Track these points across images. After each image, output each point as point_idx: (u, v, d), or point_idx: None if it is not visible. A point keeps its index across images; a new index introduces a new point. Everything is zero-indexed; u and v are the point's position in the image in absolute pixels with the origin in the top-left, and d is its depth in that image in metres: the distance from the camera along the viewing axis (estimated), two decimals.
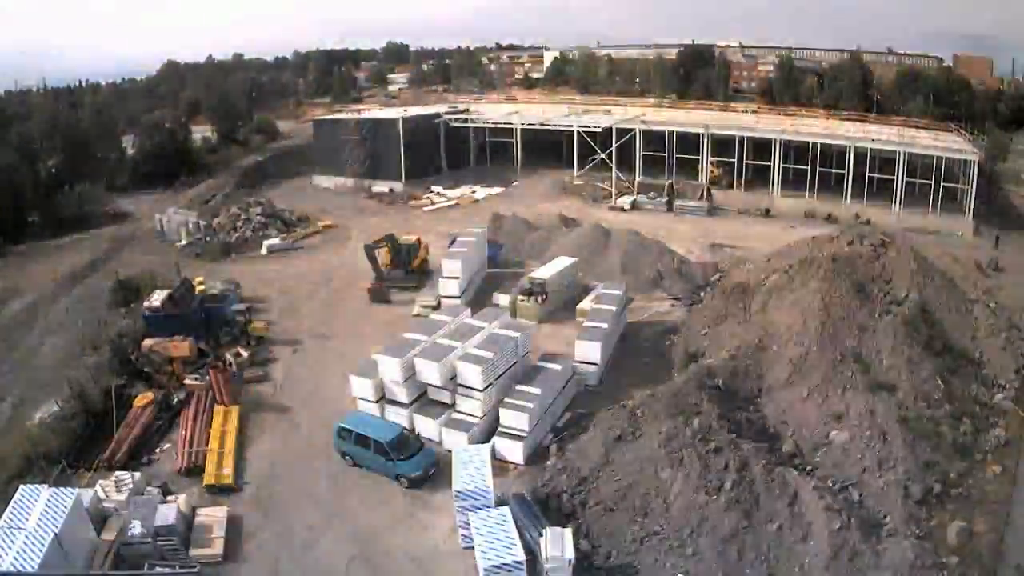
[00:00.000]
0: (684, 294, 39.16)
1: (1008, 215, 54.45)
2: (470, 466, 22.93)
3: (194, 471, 25.27)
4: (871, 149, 54.83)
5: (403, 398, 27.53)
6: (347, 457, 25.70)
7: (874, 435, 24.03)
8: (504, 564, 19.72)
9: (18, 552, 19.07)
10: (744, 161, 59.59)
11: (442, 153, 67.07)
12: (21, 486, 21.47)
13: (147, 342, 32.03)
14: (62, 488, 21.68)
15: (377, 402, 27.88)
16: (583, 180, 62.00)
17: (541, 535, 20.73)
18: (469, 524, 21.30)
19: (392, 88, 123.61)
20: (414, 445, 25.60)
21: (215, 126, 78.75)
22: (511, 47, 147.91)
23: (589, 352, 30.53)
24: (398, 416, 27.54)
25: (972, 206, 51.94)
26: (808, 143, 56.93)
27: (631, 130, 61.01)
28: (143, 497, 22.94)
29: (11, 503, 20.64)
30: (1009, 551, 21.09)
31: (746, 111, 70.72)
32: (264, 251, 48.66)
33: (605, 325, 31.83)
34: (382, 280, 39.39)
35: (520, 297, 36.61)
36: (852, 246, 32.50)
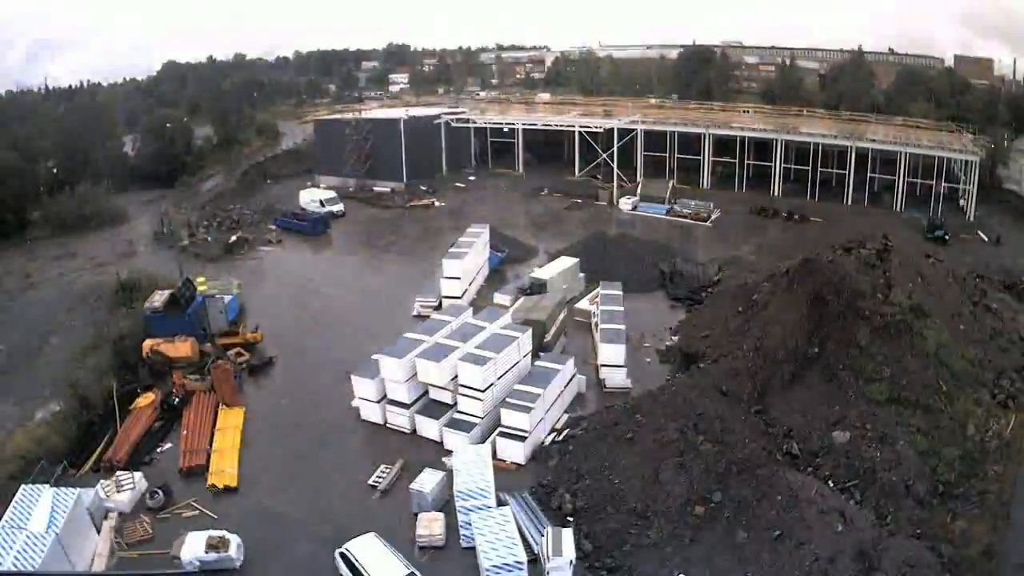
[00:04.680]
0: (685, 295, 39.13)
1: (1009, 215, 54.27)
2: (471, 466, 22.95)
3: (195, 471, 25.28)
4: (872, 149, 54.78)
5: (404, 398, 27.54)
6: None
7: (875, 437, 24.06)
8: (506, 564, 19.74)
9: (18, 552, 19.16)
10: (745, 161, 59.58)
11: (443, 154, 67.00)
12: (22, 486, 21.51)
13: (148, 342, 32.07)
14: (63, 488, 21.74)
15: (378, 402, 27.94)
16: (584, 180, 61.92)
17: (542, 535, 20.75)
18: (471, 524, 21.33)
19: (393, 88, 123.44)
20: None
21: (216, 126, 78.63)
22: (512, 47, 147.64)
23: (614, 355, 30.13)
24: (399, 417, 27.59)
25: (973, 206, 51.90)
26: (809, 143, 56.88)
27: (632, 130, 61.00)
28: None
29: (12, 503, 20.69)
30: (1009, 551, 21.08)
31: (747, 111, 70.54)
32: None
33: (623, 326, 31.58)
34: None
35: (520, 297, 36.56)
36: (853, 249, 32.46)
